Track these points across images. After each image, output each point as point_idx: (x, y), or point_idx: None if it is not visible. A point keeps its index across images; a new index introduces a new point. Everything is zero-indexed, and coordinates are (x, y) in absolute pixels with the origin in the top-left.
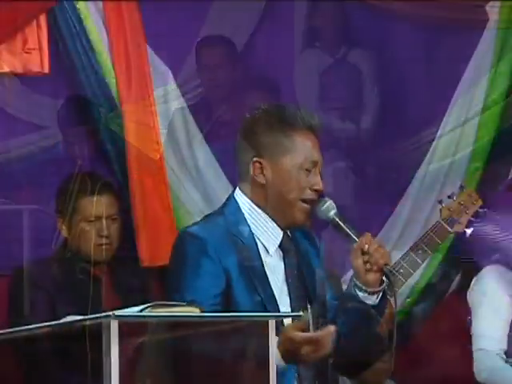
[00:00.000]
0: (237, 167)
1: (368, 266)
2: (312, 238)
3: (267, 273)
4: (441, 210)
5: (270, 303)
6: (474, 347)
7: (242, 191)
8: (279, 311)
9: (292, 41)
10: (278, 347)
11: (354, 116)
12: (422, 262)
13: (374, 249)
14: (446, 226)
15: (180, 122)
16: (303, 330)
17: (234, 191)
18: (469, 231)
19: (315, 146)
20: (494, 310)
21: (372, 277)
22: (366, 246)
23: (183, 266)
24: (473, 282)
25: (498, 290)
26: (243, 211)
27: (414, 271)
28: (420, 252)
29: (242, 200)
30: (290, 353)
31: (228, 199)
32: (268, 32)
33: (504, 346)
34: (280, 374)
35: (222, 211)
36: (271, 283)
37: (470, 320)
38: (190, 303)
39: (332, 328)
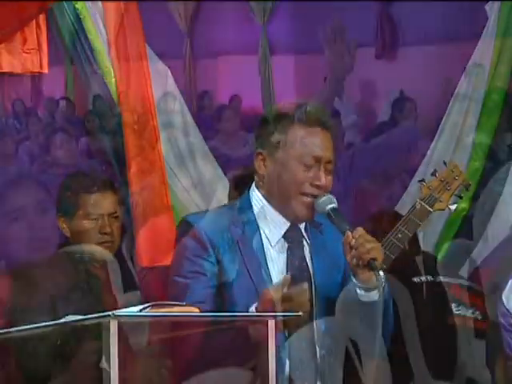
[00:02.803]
0: None
1: (354, 261)
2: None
3: (268, 262)
4: (421, 188)
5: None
6: None
7: (255, 184)
8: None
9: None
10: (257, 308)
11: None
12: (403, 245)
13: (360, 243)
14: (426, 205)
15: (179, 121)
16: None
17: (251, 185)
18: (453, 207)
19: (323, 142)
20: None
21: (361, 272)
22: (353, 241)
23: (177, 251)
24: (509, 284)
25: None
26: (252, 203)
27: (394, 256)
28: (400, 236)
29: (254, 193)
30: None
31: (245, 192)
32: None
33: None
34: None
35: (235, 203)
36: (271, 272)
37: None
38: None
39: (305, 285)
